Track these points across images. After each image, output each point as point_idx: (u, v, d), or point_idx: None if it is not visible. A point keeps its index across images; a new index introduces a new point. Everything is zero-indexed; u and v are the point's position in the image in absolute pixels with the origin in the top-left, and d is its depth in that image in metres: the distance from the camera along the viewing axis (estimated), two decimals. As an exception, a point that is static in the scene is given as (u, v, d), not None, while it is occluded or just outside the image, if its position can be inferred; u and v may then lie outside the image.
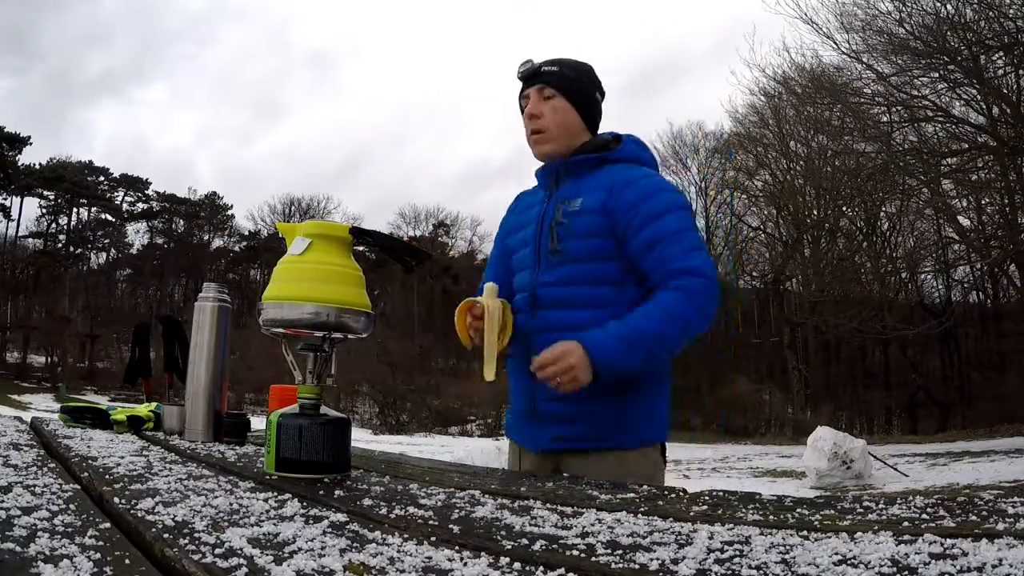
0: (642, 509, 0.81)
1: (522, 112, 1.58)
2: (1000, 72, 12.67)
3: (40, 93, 56.73)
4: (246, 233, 41.91)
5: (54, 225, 38.89)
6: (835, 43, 13.24)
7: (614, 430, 1.42)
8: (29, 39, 56.39)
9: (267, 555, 0.55)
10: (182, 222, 42.25)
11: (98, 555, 0.54)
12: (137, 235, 41.92)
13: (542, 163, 1.61)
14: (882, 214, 20.32)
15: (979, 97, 12.95)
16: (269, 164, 59.25)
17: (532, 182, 1.70)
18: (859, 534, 0.63)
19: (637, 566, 0.55)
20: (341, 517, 0.73)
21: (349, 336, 1.12)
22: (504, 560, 0.57)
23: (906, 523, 0.68)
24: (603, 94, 1.61)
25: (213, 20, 65.32)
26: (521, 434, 1.56)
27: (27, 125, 57.11)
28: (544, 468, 1.48)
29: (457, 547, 0.61)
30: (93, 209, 39.83)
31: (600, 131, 1.61)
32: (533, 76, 1.55)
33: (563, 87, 1.53)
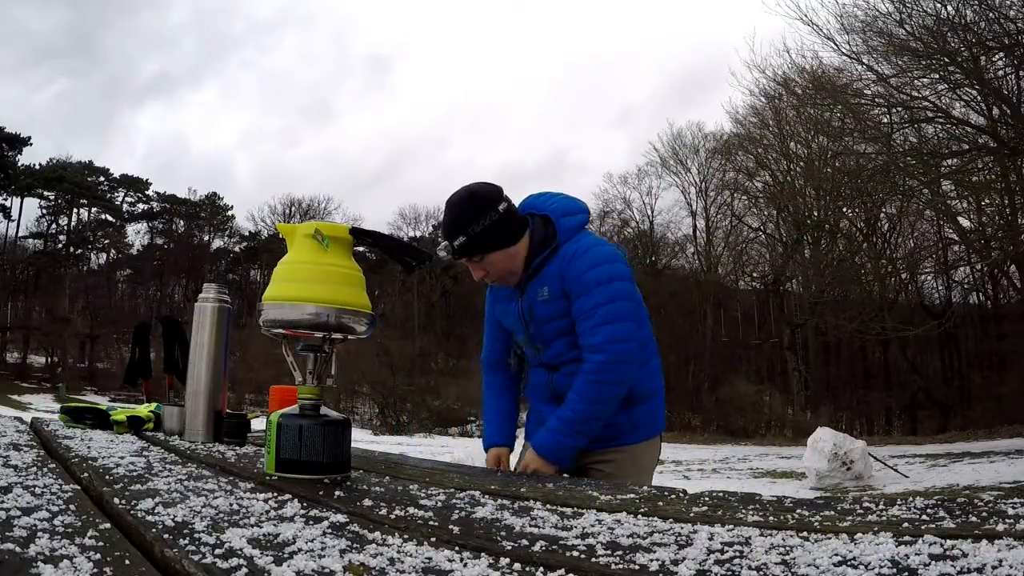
0: (642, 510, 0.81)
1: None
2: (1000, 73, 12.67)
3: (92, 95, 57.70)
4: (246, 234, 41.98)
5: (54, 225, 38.95)
6: (835, 44, 13.25)
7: (626, 432, 1.78)
8: (95, 42, 57.53)
9: (267, 555, 0.55)
10: (182, 223, 42.27)
11: (98, 555, 0.54)
12: (137, 235, 42.03)
13: None
14: (882, 215, 20.34)
15: (979, 98, 12.94)
16: (308, 166, 59.74)
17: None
18: (859, 535, 0.63)
19: (637, 567, 0.55)
20: (341, 518, 0.73)
21: (349, 337, 1.12)
22: (504, 561, 0.57)
23: (906, 524, 0.68)
24: (498, 198, 1.71)
25: (277, 26, 66.04)
26: None
27: (71, 126, 57.93)
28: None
29: (457, 548, 0.61)
30: (93, 209, 39.87)
31: (521, 204, 1.80)
32: (457, 255, 1.72)
33: (483, 246, 1.70)
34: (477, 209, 1.68)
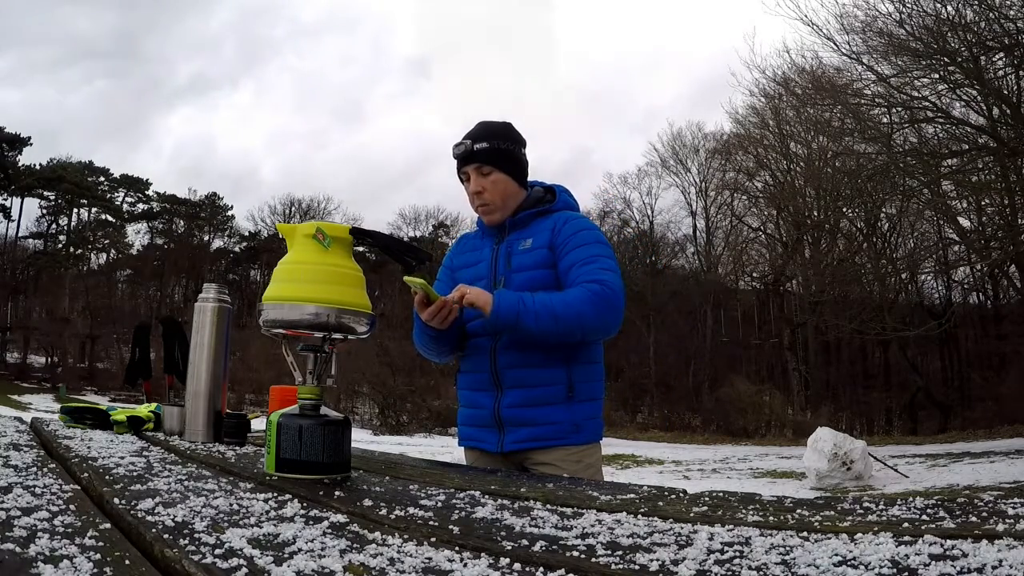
0: (642, 510, 0.81)
1: (462, 182, 1.80)
2: (1000, 73, 12.66)
3: (129, 95, 58.22)
4: (246, 234, 42.02)
5: (54, 226, 38.98)
6: (835, 44, 13.24)
7: (568, 432, 1.67)
8: (139, 43, 58.11)
9: (267, 556, 0.55)
10: (182, 223, 42.29)
11: (98, 556, 0.54)
12: (137, 236, 42.09)
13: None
14: (882, 215, 20.32)
15: (979, 98, 12.94)
16: (335, 168, 59.94)
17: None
18: (859, 535, 0.64)
19: (637, 567, 0.55)
20: (341, 518, 0.73)
21: (349, 337, 1.12)
22: (504, 561, 0.57)
23: (906, 524, 0.68)
24: (525, 144, 1.82)
25: (320, 30, 66.42)
26: (481, 441, 1.75)
27: (102, 126, 58.43)
28: (508, 467, 1.69)
29: (457, 548, 0.61)
30: (93, 210, 39.88)
31: (531, 178, 1.85)
32: (469, 156, 1.74)
33: (497, 161, 1.75)
34: (509, 134, 1.78)
